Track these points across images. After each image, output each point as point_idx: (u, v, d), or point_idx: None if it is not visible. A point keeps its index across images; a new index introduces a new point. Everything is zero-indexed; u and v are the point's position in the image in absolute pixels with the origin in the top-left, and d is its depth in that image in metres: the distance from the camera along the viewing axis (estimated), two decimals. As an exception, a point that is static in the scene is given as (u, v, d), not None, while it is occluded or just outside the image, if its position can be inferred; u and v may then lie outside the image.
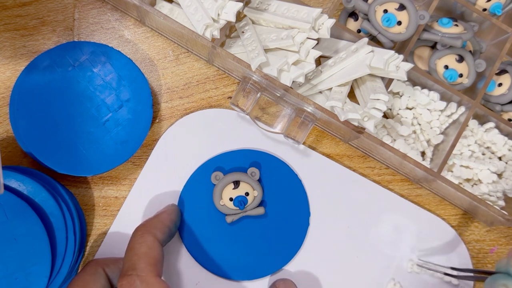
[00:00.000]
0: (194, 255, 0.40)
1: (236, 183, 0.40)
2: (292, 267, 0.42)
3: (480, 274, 0.38)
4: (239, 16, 0.41)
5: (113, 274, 0.36)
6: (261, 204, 0.41)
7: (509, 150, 0.45)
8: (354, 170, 0.44)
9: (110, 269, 0.36)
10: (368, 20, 0.41)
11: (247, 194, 0.40)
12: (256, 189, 0.40)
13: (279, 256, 0.41)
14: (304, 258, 0.42)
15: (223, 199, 0.40)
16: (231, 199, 0.40)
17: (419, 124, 0.44)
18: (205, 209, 0.41)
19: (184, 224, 0.40)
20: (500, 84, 0.45)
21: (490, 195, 0.43)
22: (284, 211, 0.42)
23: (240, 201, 0.39)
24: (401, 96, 0.44)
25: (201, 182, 0.41)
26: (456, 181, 0.43)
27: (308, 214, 0.42)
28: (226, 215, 0.40)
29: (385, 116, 0.45)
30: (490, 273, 0.36)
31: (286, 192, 0.42)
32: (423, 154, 0.44)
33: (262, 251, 0.41)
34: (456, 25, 0.42)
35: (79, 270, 0.40)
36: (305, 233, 0.42)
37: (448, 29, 0.42)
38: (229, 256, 0.41)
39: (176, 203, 0.41)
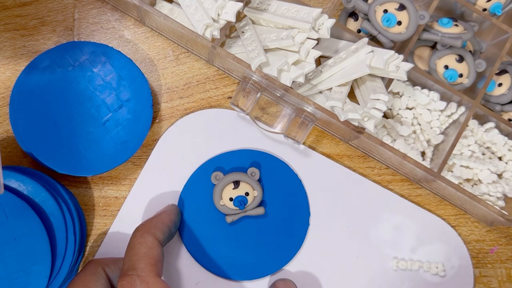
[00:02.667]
0: (194, 255, 0.40)
1: (236, 183, 0.40)
2: (292, 267, 0.42)
3: None
4: (239, 16, 0.41)
5: (113, 274, 0.36)
6: (261, 204, 0.41)
7: (509, 150, 0.45)
8: (354, 170, 0.44)
9: (110, 269, 0.36)
10: (368, 20, 0.41)
11: (247, 194, 0.40)
12: (256, 189, 0.40)
13: (279, 256, 0.41)
14: (304, 258, 0.42)
15: (223, 199, 0.40)
16: (231, 199, 0.40)
17: (419, 124, 0.44)
18: (205, 209, 0.41)
19: (184, 224, 0.40)
20: (500, 84, 0.45)
21: (490, 195, 0.43)
22: (284, 211, 0.42)
23: (240, 201, 0.39)
24: (401, 96, 0.44)
25: (201, 182, 0.41)
26: (456, 181, 0.43)
27: (308, 214, 0.42)
28: (226, 215, 0.40)
29: (385, 116, 0.45)
30: None
31: (286, 192, 0.42)
32: (423, 154, 0.44)
33: (262, 251, 0.41)
34: (456, 25, 0.42)
35: (79, 270, 0.40)
36: (305, 233, 0.42)
37: (448, 29, 0.42)
38: (229, 256, 0.41)
39: (176, 203, 0.41)
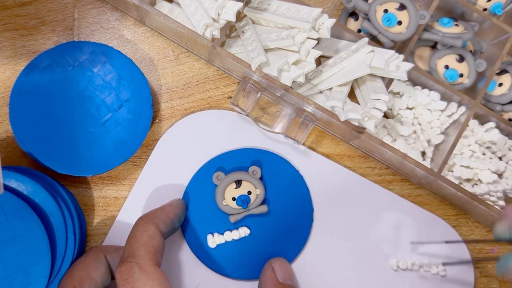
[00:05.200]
0: (199, 255, 0.40)
1: (238, 183, 0.40)
2: (297, 265, 0.42)
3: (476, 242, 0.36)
4: (239, 16, 0.41)
5: (114, 261, 0.37)
6: (263, 202, 0.41)
7: (510, 150, 0.45)
8: (354, 170, 0.44)
9: (112, 256, 0.37)
10: (369, 20, 0.41)
11: (249, 193, 0.40)
12: (258, 187, 0.40)
13: (284, 254, 0.41)
14: (308, 256, 0.42)
15: (225, 199, 0.40)
16: (233, 199, 0.40)
17: (420, 124, 0.44)
18: (208, 209, 0.41)
19: (187, 225, 0.40)
20: (500, 84, 0.45)
21: (490, 195, 0.43)
22: (287, 208, 0.42)
23: (243, 200, 0.39)
24: (401, 96, 0.44)
25: (202, 183, 0.41)
26: (456, 181, 0.43)
27: (312, 210, 0.42)
28: (230, 215, 0.40)
29: (386, 116, 0.45)
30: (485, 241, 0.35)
31: (288, 189, 0.42)
32: (423, 154, 0.44)
33: (266, 250, 0.41)
34: (457, 25, 0.42)
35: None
36: (309, 229, 0.42)
37: (448, 29, 0.42)
38: (234, 255, 0.41)
39: (177, 203, 0.41)
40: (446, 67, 0.43)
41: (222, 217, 0.41)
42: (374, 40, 0.42)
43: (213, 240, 0.40)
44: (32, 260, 0.35)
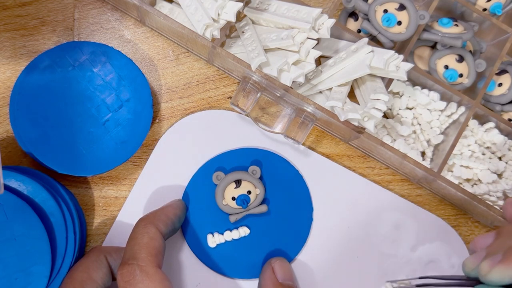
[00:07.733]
0: (199, 255, 0.40)
1: (238, 182, 0.40)
2: (297, 264, 0.42)
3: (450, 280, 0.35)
4: (239, 16, 0.41)
5: (114, 262, 0.37)
6: (263, 202, 0.41)
7: (509, 150, 0.45)
8: (354, 170, 0.44)
9: (112, 257, 0.37)
10: (368, 20, 0.41)
11: (249, 192, 0.40)
12: (258, 187, 0.40)
13: (283, 253, 0.41)
14: (308, 255, 0.42)
15: (225, 198, 0.40)
16: (233, 199, 0.40)
17: (419, 124, 0.44)
18: (208, 209, 0.41)
19: (187, 225, 0.40)
20: (500, 84, 0.45)
21: (490, 195, 0.43)
22: (287, 208, 0.42)
23: (243, 200, 0.39)
24: (401, 96, 0.44)
25: (202, 182, 0.41)
26: (456, 181, 0.43)
27: (311, 209, 0.42)
28: (230, 214, 0.40)
29: (385, 116, 0.45)
30: (459, 279, 0.33)
31: (288, 189, 0.42)
32: (423, 154, 0.44)
33: (266, 249, 0.41)
34: (456, 25, 0.42)
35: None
36: (309, 228, 0.42)
37: (448, 29, 0.42)
38: (234, 255, 0.41)
39: (177, 203, 0.41)
40: (446, 67, 0.43)
41: (222, 217, 0.41)
42: (374, 40, 0.42)
43: (213, 240, 0.40)
44: (33, 260, 0.35)
